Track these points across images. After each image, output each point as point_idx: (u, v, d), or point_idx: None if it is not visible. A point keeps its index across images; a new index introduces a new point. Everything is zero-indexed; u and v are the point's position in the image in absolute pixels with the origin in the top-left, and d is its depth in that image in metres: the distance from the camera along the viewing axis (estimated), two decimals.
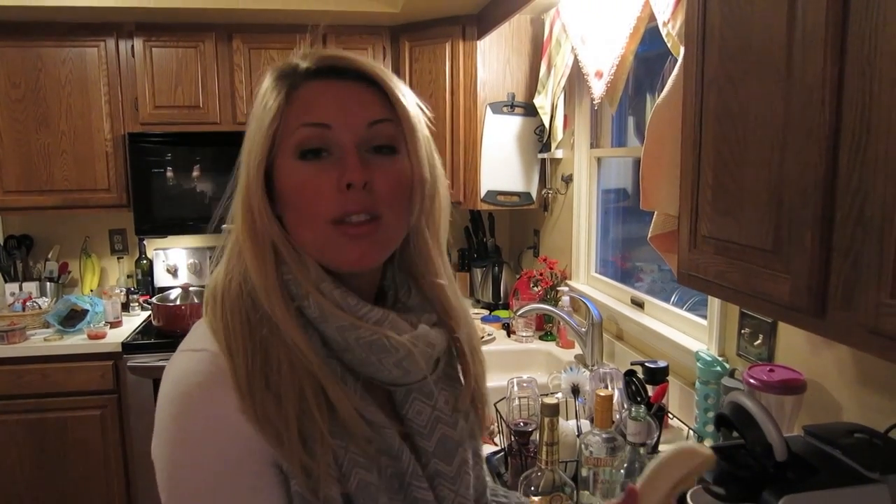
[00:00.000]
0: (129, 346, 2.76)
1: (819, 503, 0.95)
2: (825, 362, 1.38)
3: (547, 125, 2.71)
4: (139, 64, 3.00)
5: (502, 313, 2.86)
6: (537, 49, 2.81)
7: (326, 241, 0.72)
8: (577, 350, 2.41)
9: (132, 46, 2.99)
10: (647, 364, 1.71)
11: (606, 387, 1.59)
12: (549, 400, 1.14)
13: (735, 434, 1.07)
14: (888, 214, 0.78)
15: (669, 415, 1.63)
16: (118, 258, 3.37)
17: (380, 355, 0.72)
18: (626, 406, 1.48)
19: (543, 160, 2.91)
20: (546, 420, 1.16)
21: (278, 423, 0.66)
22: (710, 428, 1.55)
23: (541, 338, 2.66)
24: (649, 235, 1.54)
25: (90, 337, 2.80)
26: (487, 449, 1.61)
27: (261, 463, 0.67)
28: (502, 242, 3.38)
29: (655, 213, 1.52)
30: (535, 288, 2.71)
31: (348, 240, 0.71)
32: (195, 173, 3.07)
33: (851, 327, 0.86)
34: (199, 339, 0.71)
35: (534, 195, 2.92)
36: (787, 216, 0.95)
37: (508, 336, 2.69)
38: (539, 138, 2.86)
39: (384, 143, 0.74)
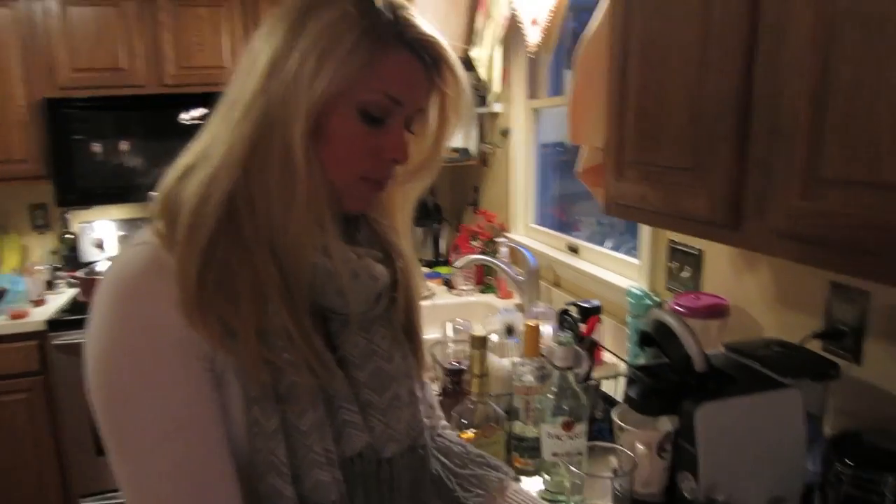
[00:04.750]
0: (55, 324, 2.64)
1: (735, 409, 0.99)
2: (747, 287, 1.42)
3: (484, 78, 2.69)
4: (55, 24, 2.84)
5: (443, 269, 2.87)
6: (475, 1, 2.77)
7: (350, 189, 0.76)
8: (517, 300, 2.43)
9: (47, 5, 2.83)
10: (580, 303, 1.73)
11: None
12: (477, 332, 1.15)
13: (658, 352, 1.10)
14: (797, 119, 0.80)
15: (602, 348, 1.67)
16: (40, 233, 3.22)
17: (323, 279, 0.75)
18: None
19: (481, 115, 2.90)
20: (474, 352, 1.16)
21: (233, 322, 0.69)
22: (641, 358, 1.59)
23: (481, 291, 2.68)
24: (578, 170, 1.55)
25: (12, 317, 2.67)
26: None
27: (190, 357, 0.69)
28: (443, 202, 3.37)
29: (583, 146, 1.54)
30: (475, 242, 2.72)
31: (365, 193, 0.78)
32: (121, 140, 2.94)
33: (765, 235, 0.88)
34: (141, 237, 0.73)
35: (473, 150, 2.91)
36: (706, 132, 0.97)
37: (449, 291, 2.70)
38: (477, 93, 2.84)
39: (412, 125, 0.81)
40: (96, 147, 2.90)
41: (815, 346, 1.22)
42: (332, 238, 0.75)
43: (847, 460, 0.97)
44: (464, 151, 2.90)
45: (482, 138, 2.92)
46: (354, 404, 0.78)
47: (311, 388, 0.73)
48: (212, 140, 0.74)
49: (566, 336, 1.09)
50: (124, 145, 2.93)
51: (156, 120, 2.95)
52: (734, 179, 0.91)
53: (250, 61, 0.74)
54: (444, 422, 1.03)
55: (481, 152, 2.92)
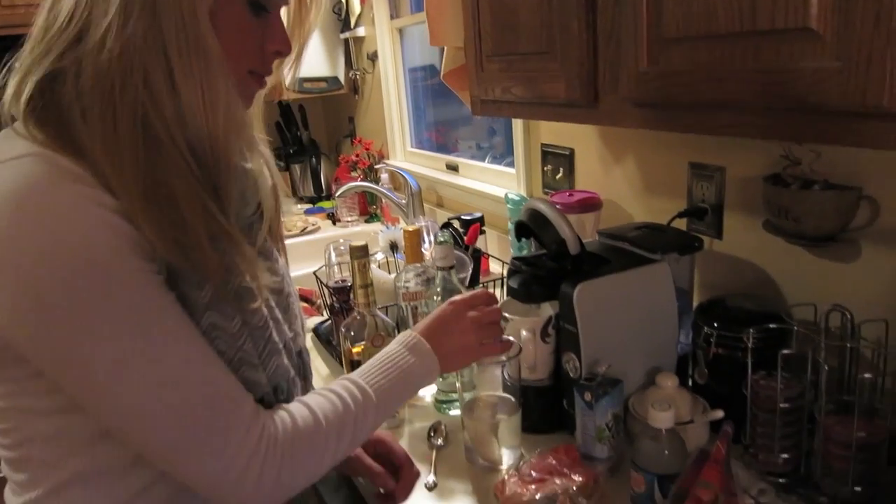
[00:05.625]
0: None
1: (610, 285, 1.02)
2: (617, 180, 1.46)
3: (343, 1, 2.58)
4: None
5: (325, 203, 2.80)
6: None
7: (238, 87, 0.72)
8: (402, 225, 2.41)
9: None
10: (462, 217, 1.74)
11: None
12: (357, 242, 1.12)
13: (535, 243, 1.12)
14: None
15: (487, 256, 1.69)
16: None
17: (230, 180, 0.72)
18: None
19: (347, 40, 2.79)
20: (356, 263, 1.13)
21: (178, 231, 0.64)
22: None
23: (366, 221, 2.64)
24: (442, 74, 1.53)
25: None
26: (315, 320, 1.58)
27: (142, 259, 0.62)
28: (319, 136, 3.26)
29: (446, 49, 1.51)
30: (355, 172, 2.66)
31: (253, 89, 0.76)
32: None
33: (621, 106, 0.90)
34: (12, 149, 0.62)
35: (342, 78, 2.81)
36: (557, 11, 0.96)
37: (334, 224, 2.64)
38: (339, 17, 2.73)
39: None
40: None
41: (682, 225, 1.28)
42: (252, 134, 0.75)
43: (714, 323, 1.03)
44: (333, 80, 2.80)
45: (350, 65, 2.82)
46: (272, 302, 0.78)
47: (252, 286, 0.73)
48: (76, 37, 0.64)
49: (444, 234, 1.08)
50: None
51: None
52: (587, 55, 0.92)
53: None
54: None
55: (351, 80, 2.83)
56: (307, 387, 0.86)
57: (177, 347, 0.64)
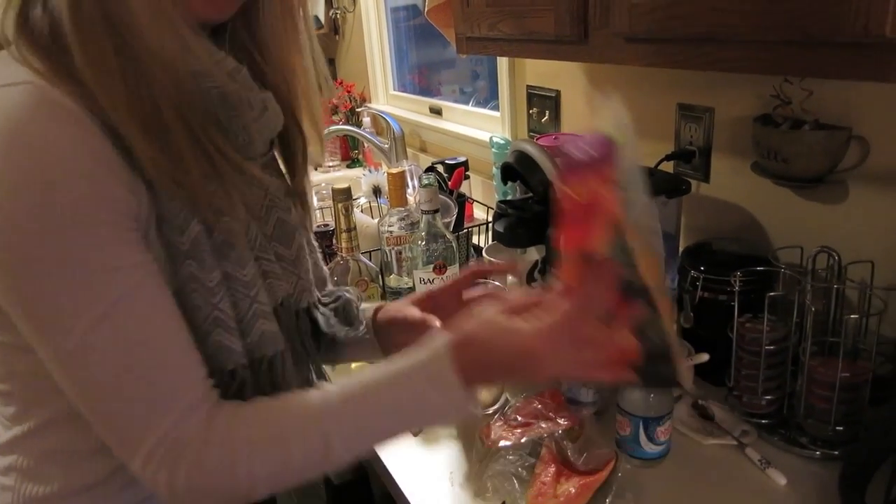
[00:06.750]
0: None
1: None
2: (604, 121, 1.43)
3: None
4: None
5: None
6: None
7: None
8: (385, 169, 2.37)
9: None
10: (446, 161, 1.71)
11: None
12: (340, 185, 1.09)
13: (521, 186, 1.09)
14: None
15: (471, 201, 1.67)
16: None
17: (230, 112, 0.64)
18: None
19: None
20: (339, 206, 1.11)
21: (170, 160, 0.58)
22: None
23: (348, 166, 2.59)
24: (426, 9, 1.48)
25: None
26: None
27: (121, 215, 0.57)
28: None
29: None
30: (336, 115, 2.60)
31: None
32: None
33: (613, 42, 0.86)
34: (11, 74, 0.56)
35: (321, 17, 2.72)
36: None
37: (315, 169, 2.59)
38: None
39: None
40: None
41: (669, 168, 1.26)
42: (217, 53, 0.64)
43: (700, 267, 1.02)
44: (313, 20, 2.71)
45: (330, 3, 2.73)
46: (272, 254, 0.72)
47: (243, 233, 0.66)
48: None
49: (429, 178, 1.06)
50: None
51: None
52: None
53: None
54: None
55: (331, 19, 2.74)
56: (319, 346, 0.79)
57: (136, 308, 0.58)
